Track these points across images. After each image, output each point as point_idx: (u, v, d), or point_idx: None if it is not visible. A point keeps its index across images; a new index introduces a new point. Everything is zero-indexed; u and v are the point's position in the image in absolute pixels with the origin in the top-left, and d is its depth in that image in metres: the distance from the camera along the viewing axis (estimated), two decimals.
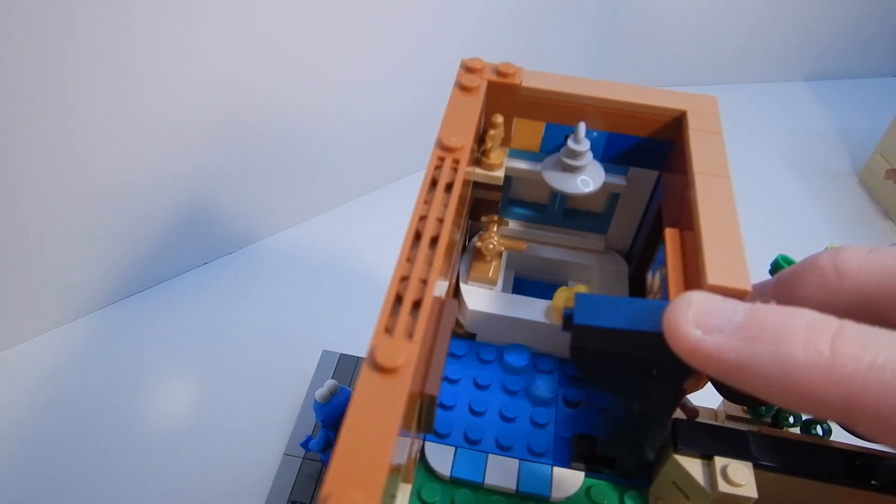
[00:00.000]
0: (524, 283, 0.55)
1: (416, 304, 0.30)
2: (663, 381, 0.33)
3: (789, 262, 0.45)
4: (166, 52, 0.71)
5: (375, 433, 0.25)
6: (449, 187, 0.36)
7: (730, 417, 0.54)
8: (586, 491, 0.43)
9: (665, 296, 0.36)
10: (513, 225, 0.53)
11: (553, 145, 0.47)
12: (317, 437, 0.65)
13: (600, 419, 0.44)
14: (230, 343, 0.86)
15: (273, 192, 0.94)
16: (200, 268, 0.94)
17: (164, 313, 0.88)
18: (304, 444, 0.66)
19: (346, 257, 0.95)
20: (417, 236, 0.33)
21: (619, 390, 0.35)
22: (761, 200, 1.09)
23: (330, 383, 0.61)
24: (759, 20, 1.28)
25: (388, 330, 0.29)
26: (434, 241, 0.33)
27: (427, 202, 0.35)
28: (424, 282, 0.31)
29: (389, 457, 0.24)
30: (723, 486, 0.38)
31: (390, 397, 0.26)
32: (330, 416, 0.62)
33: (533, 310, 0.48)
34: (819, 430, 0.47)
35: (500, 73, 0.45)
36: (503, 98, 0.45)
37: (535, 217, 0.53)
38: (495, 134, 0.46)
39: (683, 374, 0.33)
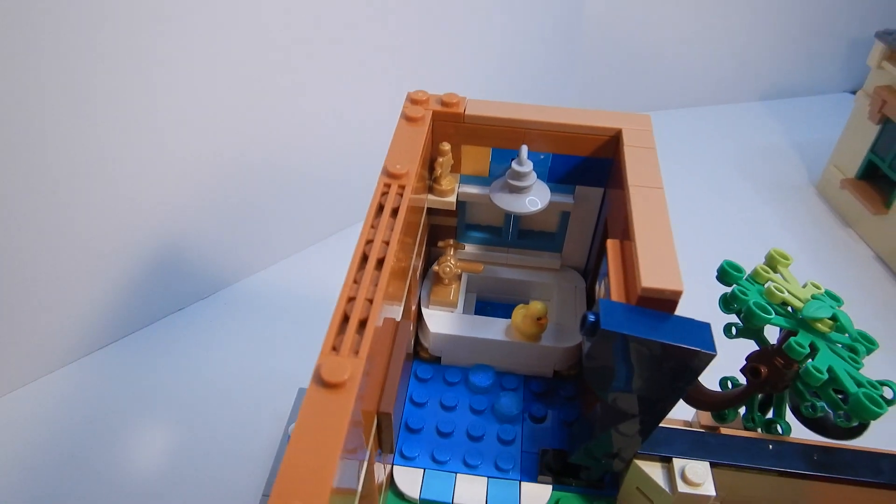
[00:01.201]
0: (486, 305, 0.56)
1: (363, 323, 0.31)
2: (666, 387, 0.35)
3: (735, 266, 0.46)
4: (132, 108, 0.73)
5: (321, 447, 0.25)
6: (395, 212, 0.38)
7: (704, 427, 0.55)
8: (555, 503, 0.44)
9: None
10: (470, 248, 0.54)
11: (501, 169, 0.49)
12: None
13: (571, 431, 0.44)
14: (207, 388, 0.85)
15: (245, 235, 0.96)
16: (175, 314, 0.95)
17: (139, 362, 0.88)
18: None
19: (317, 296, 0.96)
20: (364, 259, 0.35)
21: (621, 395, 0.36)
22: (724, 216, 1.12)
23: None
24: (714, 45, 1.34)
25: (335, 348, 0.30)
26: (380, 262, 0.34)
27: (374, 227, 0.36)
28: (370, 301, 0.32)
29: (335, 469, 0.25)
30: (681, 487, 0.39)
31: (336, 411, 0.27)
32: None
33: (494, 329, 0.50)
34: (779, 429, 0.48)
35: (444, 104, 0.47)
36: (449, 127, 0.47)
37: (492, 240, 0.54)
38: (444, 161, 0.48)
39: (689, 384, 0.35)
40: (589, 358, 0.35)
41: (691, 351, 0.32)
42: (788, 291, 0.45)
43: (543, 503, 0.43)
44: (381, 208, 0.38)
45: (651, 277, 0.34)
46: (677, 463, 0.40)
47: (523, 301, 0.55)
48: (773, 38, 1.36)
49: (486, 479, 0.44)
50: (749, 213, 1.14)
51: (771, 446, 0.43)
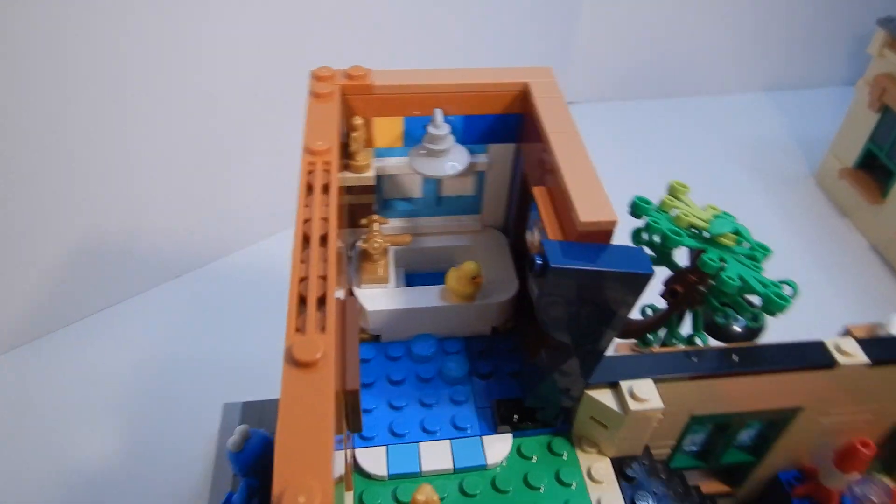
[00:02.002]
0: (415, 277, 0.56)
1: (322, 300, 0.30)
2: (612, 313, 0.37)
3: (645, 200, 0.50)
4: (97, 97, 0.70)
5: (312, 426, 0.25)
6: (326, 188, 0.37)
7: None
8: (517, 449, 0.45)
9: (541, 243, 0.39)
10: (392, 223, 0.54)
11: (415, 137, 0.49)
12: (238, 490, 0.62)
13: (520, 380, 0.46)
14: (122, 414, 0.79)
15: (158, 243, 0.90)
16: (86, 319, 0.87)
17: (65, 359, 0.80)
18: (227, 502, 0.62)
19: (227, 308, 0.92)
20: (306, 239, 0.34)
21: (572, 330, 0.38)
22: (725, 205, 1.09)
23: (241, 429, 0.59)
24: (717, 35, 1.31)
25: (300, 329, 0.29)
26: (324, 239, 0.34)
27: (307, 205, 0.35)
28: (324, 278, 0.31)
29: (332, 445, 0.24)
30: (633, 405, 0.42)
31: (318, 390, 0.26)
32: (247, 462, 0.60)
33: (430, 296, 0.50)
34: (699, 342, 0.52)
35: (350, 77, 0.46)
36: (358, 100, 0.46)
37: (413, 210, 0.54)
38: (357, 136, 0.47)
39: (632, 306, 0.37)
40: (541, 298, 0.36)
41: (634, 274, 0.35)
42: (693, 215, 0.49)
43: (507, 451, 0.45)
44: (310, 187, 0.37)
45: (587, 212, 0.35)
46: (624, 385, 0.43)
47: (449, 267, 0.56)
48: (778, 29, 1.32)
49: (448, 441, 0.45)
50: (746, 202, 1.11)
51: (695, 358, 0.47)
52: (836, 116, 1.12)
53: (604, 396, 0.43)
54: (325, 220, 0.34)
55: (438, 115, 0.46)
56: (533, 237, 0.42)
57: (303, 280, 0.31)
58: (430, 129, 0.46)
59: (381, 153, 0.50)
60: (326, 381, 0.26)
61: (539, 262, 0.35)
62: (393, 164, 0.51)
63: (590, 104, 1.36)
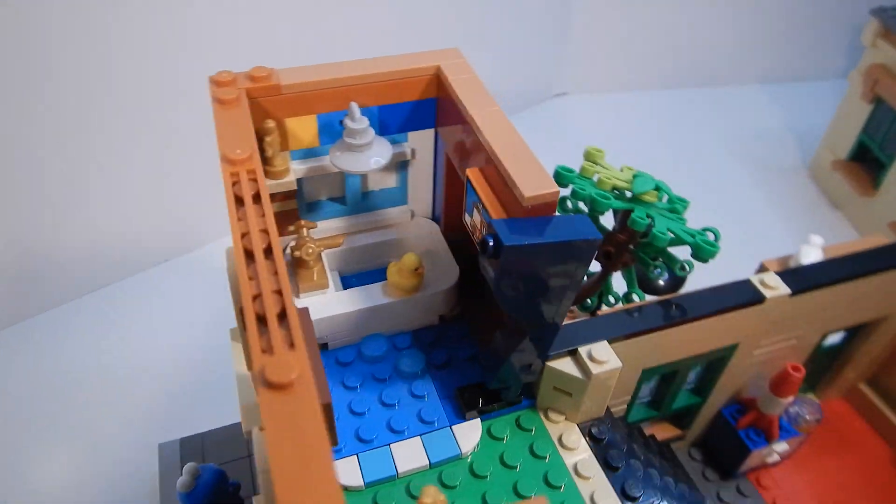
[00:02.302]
0: (351, 279, 0.54)
1: (282, 315, 0.28)
2: (566, 283, 0.37)
3: (567, 169, 0.51)
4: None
5: (307, 448, 0.23)
6: (257, 198, 0.34)
7: None
8: (487, 432, 0.45)
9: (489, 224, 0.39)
10: (320, 225, 0.52)
11: (332, 135, 0.47)
12: None
13: (479, 363, 0.45)
14: (51, 469, 0.72)
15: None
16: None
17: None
18: None
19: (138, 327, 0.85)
20: (248, 254, 0.31)
21: (530, 305, 0.38)
22: (718, 197, 1.11)
23: (189, 467, 0.55)
24: (714, 26, 1.29)
25: (266, 350, 0.27)
26: (268, 251, 0.31)
27: (242, 219, 0.33)
28: (279, 292, 0.29)
29: (332, 464, 0.23)
30: (594, 369, 0.42)
31: (302, 410, 0.24)
32: (201, 500, 0.56)
33: (373, 295, 0.48)
34: (636, 298, 0.54)
35: (254, 79, 0.43)
36: (267, 103, 0.44)
37: (338, 210, 0.52)
38: (272, 140, 0.45)
39: (584, 273, 0.37)
40: (499, 279, 0.36)
41: (585, 241, 0.35)
42: (614, 178, 0.51)
43: (478, 436, 0.44)
44: (239, 199, 0.34)
45: (530, 188, 0.35)
46: (582, 350, 0.43)
47: (384, 263, 0.55)
48: (775, 21, 1.31)
49: (418, 437, 0.44)
50: (740, 194, 1.13)
51: (636, 313, 0.49)
52: (832, 109, 1.10)
53: (564, 365, 0.43)
54: (265, 231, 0.32)
55: (355, 108, 0.44)
56: (473, 220, 0.42)
57: (256, 297, 0.29)
58: (349, 124, 0.44)
59: (297, 155, 0.48)
60: (309, 399, 0.25)
61: (491, 243, 0.34)
62: (312, 165, 0.48)
63: (584, 95, 1.33)
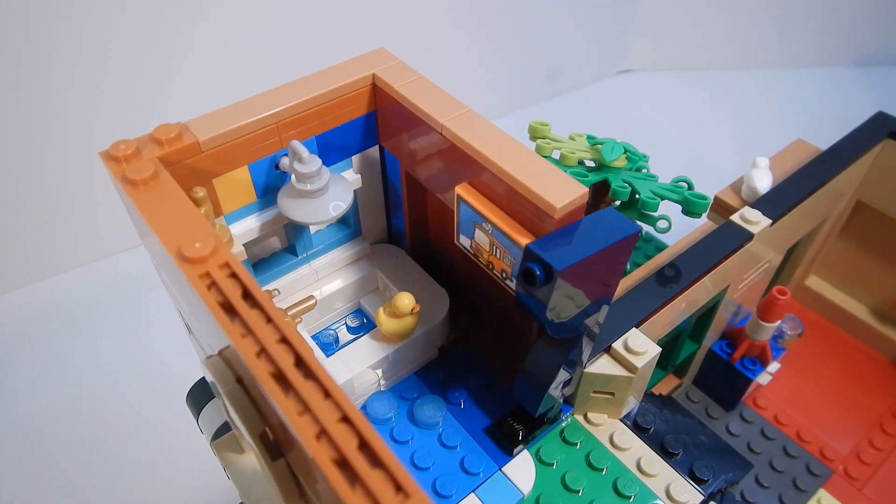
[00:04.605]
0: (328, 331, 0.47)
1: (299, 364, 0.23)
2: (609, 284, 0.33)
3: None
4: None
5: None
6: (247, 296, 0.27)
7: None
8: (537, 458, 0.41)
9: (509, 244, 0.34)
10: (273, 288, 0.44)
11: (266, 183, 0.39)
12: None
13: (516, 391, 0.40)
14: None
15: None
16: None
17: None
18: None
19: None
20: (280, 378, 0.24)
21: (578, 316, 0.33)
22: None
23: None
24: (802, 2, 1.14)
25: (302, 413, 0.21)
26: (299, 363, 0.24)
27: (246, 334, 0.25)
28: (285, 340, 0.23)
29: None
30: (637, 361, 0.39)
31: None
32: None
33: (368, 351, 0.42)
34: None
35: (161, 143, 0.34)
36: (187, 167, 0.35)
37: (290, 264, 0.44)
38: (206, 211, 0.36)
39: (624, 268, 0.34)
40: (552, 307, 0.31)
41: (632, 237, 0.31)
42: (576, 150, 0.47)
43: (532, 469, 0.40)
44: (228, 307, 0.26)
45: (558, 196, 0.31)
46: (616, 345, 0.40)
47: (355, 305, 0.48)
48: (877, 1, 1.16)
49: (472, 495, 0.39)
50: None
51: (642, 291, 0.46)
52: None
53: (603, 367, 0.40)
54: (284, 341, 0.25)
55: (300, 148, 0.37)
56: (476, 241, 0.36)
57: (261, 353, 0.23)
58: (298, 168, 0.37)
59: (232, 218, 0.40)
60: None
61: (539, 271, 0.30)
62: (253, 224, 0.40)
63: (650, 73, 1.21)
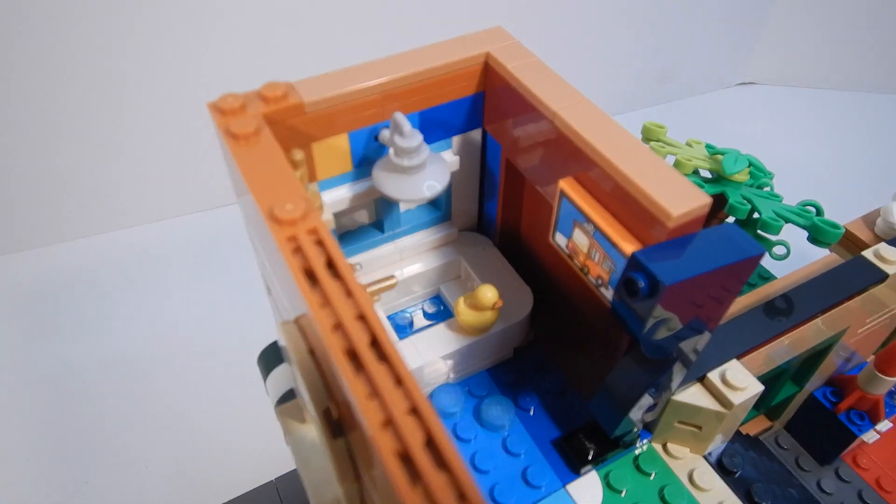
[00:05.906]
0: (403, 314, 0.46)
1: (374, 344, 0.21)
2: (720, 305, 0.30)
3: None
4: None
5: None
6: (331, 265, 0.26)
7: None
8: (606, 483, 0.38)
9: (610, 249, 0.31)
10: (353, 261, 0.43)
11: (364, 155, 0.38)
12: None
13: (593, 408, 0.38)
14: None
15: None
16: None
17: None
18: None
19: None
20: (352, 356, 0.23)
21: (679, 337, 0.30)
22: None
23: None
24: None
25: (371, 396, 0.19)
26: (374, 343, 0.23)
27: (325, 305, 0.24)
28: (363, 317, 0.22)
29: None
30: (734, 397, 0.36)
31: None
32: None
33: (438, 342, 0.40)
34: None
35: (268, 100, 0.34)
36: (289, 128, 0.34)
37: (375, 240, 0.43)
38: (301, 175, 0.35)
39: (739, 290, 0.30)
40: (653, 325, 0.28)
41: (754, 258, 0.28)
42: (694, 157, 0.44)
43: (600, 493, 0.37)
44: (310, 274, 0.25)
45: (675, 203, 0.28)
46: (712, 376, 0.37)
47: (434, 291, 0.46)
48: None
49: None
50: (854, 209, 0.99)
51: (750, 320, 0.42)
52: None
53: (694, 397, 0.36)
54: (362, 318, 0.23)
55: (403, 120, 0.35)
56: (574, 241, 0.34)
57: (337, 328, 0.21)
58: (398, 141, 0.35)
59: (326, 185, 0.39)
60: None
61: (644, 283, 0.27)
62: (343, 194, 0.39)
63: (772, 87, 1.16)
